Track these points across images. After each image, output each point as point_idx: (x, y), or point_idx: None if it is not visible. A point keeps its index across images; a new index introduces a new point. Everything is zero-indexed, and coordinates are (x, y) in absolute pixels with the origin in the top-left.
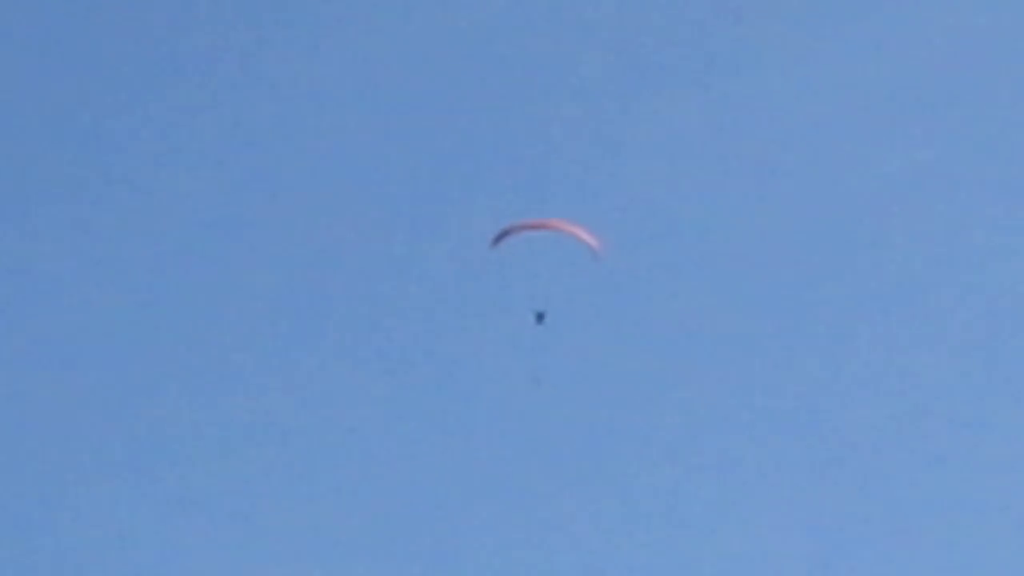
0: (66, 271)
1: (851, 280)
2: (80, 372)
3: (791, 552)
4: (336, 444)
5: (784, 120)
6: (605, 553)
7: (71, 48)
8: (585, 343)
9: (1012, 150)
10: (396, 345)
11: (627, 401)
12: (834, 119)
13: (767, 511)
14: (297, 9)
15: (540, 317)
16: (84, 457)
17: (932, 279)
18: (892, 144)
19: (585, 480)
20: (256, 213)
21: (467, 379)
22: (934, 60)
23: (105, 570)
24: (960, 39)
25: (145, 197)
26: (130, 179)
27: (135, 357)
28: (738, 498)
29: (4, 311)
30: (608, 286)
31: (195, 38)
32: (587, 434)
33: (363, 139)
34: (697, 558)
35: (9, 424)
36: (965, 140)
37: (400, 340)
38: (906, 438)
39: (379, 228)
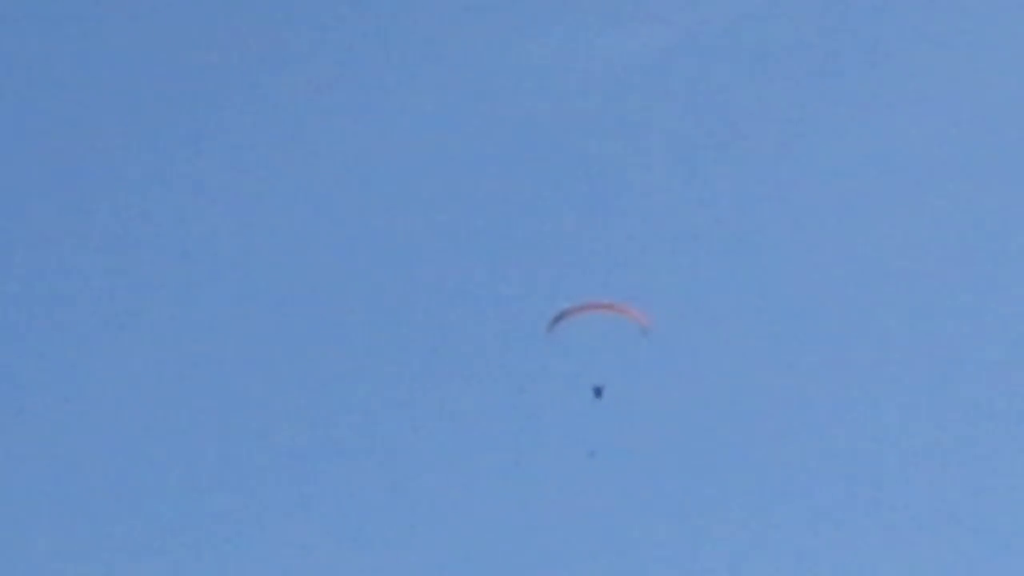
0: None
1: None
2: (77, 371)
3: None
4: (391, 517)
5: (824, 188)
6: None
7: (67, 47)
8: (639, 416)
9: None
10: (458, 417)
11: (681, 472)
12: (865, 190)
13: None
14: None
15: (598, 392)
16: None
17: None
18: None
19: (639, 553)
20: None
21: (524, 446)
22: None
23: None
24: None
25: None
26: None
27: (138, 357)
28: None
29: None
30: (660, 360)
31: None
32: (637, 508)
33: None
34: None
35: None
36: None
37: (463, 412)
38: (913, 444)
39: (440, 299)
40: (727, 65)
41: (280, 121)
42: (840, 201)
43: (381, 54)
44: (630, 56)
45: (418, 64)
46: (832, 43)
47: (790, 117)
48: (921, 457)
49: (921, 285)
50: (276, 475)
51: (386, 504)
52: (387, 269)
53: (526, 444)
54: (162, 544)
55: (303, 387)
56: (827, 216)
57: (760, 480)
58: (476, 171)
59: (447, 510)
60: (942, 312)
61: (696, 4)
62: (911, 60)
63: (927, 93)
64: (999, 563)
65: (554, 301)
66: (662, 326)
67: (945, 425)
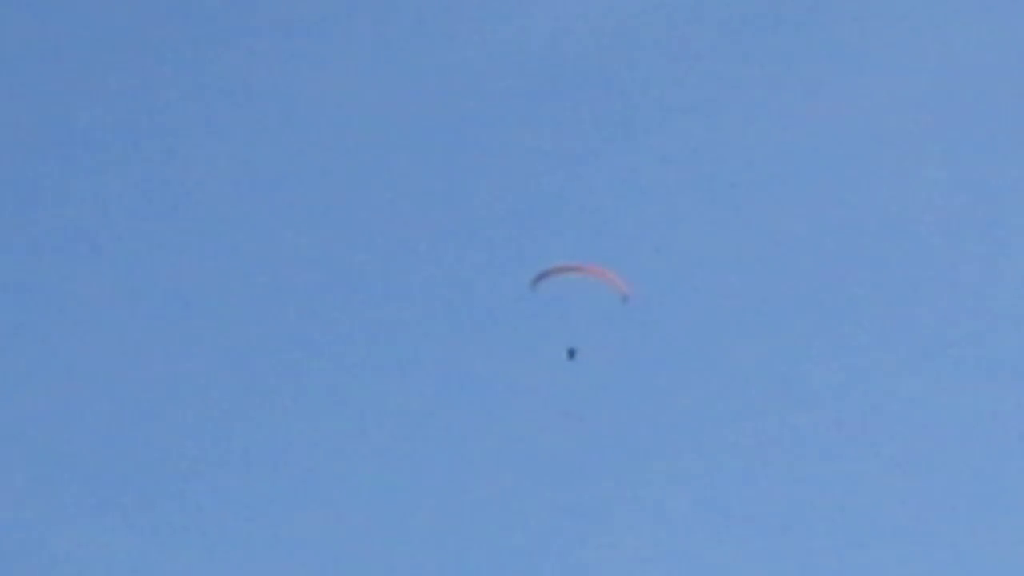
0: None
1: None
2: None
3: None
4: (362, 487)
5: (807, 149)
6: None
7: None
8: (613, 379)
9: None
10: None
11: (653, 431)
12: (863, 143)
13: (794, 547)
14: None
15: (571, 353)
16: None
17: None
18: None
19: (609, 511)
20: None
21: (500, 410)
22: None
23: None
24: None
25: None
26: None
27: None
28: (763, 534)
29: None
30: (637, 325)
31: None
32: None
33: (397, 168)
34: None
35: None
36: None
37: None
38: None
39: (414, 256)
40: (703, 25)
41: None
42: (824, 162)
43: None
44: (604, 14)
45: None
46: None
47: (773, 75)
48: (915, 424)
49: (912, 247)
50: (259, 415)
51: (359, 458)
52: (366, 227)
53: (501, 400)
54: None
55: (282, 348)
56: (811, 178)
57: (735, 445)
58: (456, 130)
59: (420, 466)
60: (936, 275)
61: None
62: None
63: (917, 40)
64: (998, 564)
65: (534, 264)
66: (641, 295)
67: (942, 384)
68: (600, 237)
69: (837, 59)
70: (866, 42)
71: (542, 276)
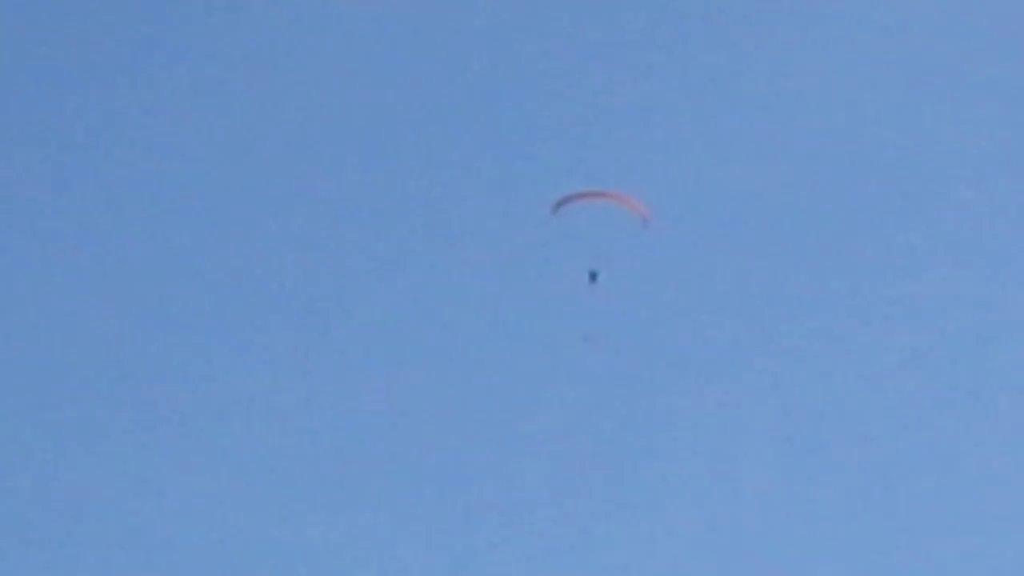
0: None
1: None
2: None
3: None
4: (384, 397)
5: (829, 75)
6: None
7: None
8: (634, 303)
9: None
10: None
11: (671, 362)
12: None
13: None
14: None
15: (593, 276)
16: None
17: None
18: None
19: (629, 440)
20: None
21: (521, 335)
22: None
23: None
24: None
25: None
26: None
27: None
28: (788, 471)
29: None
30: (658, 249)
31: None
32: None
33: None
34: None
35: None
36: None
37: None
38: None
39: (434, 188)
40: None
41: None
42: (846, 91)
43: None
44: None
45: None
46: None
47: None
48: (937, 368)
49: (928, 184)
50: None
51: (376, 392)
52: (385, 149)
53: (521, 325)
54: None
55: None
56: (833, 106)
57: (753, 369)
58: (476, 51)
59: (439, 393)
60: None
61: None
62: None
63: None
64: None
65: (554, 189)
66: (662, 219)
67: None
68: (620, 161)
69: None
70: None
71: (562, 202)
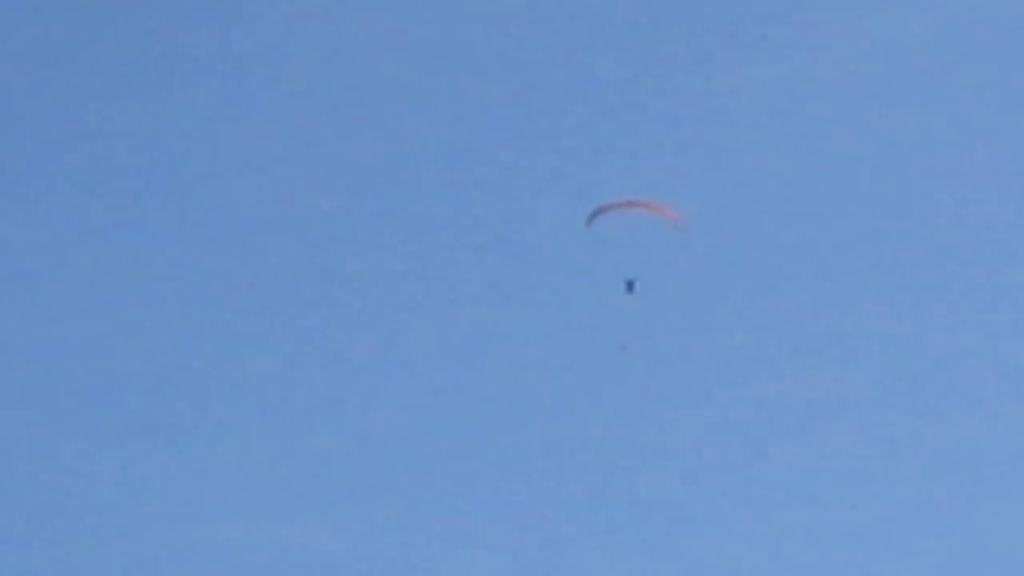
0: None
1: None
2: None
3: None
4: (423, 396)
5: (856, 79)
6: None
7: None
8: (671, 312)
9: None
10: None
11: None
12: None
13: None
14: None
15: (630, 286)
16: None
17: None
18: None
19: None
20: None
21: (559, 345)
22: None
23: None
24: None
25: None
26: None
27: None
28: (821, 475)
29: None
30: (694, 258)
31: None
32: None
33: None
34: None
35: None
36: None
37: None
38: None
39: (476, 199)
40: None
41: None
42: (874, 92)
43: None
44: None
45: None
46: None
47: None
48: (956, 356)
49: (948, 178)
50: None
51: (404, 392)
52: (424, 161)
53: (559, 334)
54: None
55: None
56: (859, 111)
57: (790, 370)
58: (510, 60)
59: (478, 398)
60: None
61: None
62: None
63: None
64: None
65: (587, 199)
66: (695, 224)
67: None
68: (651, 172)
69: None
70: None
71: (596, 213)
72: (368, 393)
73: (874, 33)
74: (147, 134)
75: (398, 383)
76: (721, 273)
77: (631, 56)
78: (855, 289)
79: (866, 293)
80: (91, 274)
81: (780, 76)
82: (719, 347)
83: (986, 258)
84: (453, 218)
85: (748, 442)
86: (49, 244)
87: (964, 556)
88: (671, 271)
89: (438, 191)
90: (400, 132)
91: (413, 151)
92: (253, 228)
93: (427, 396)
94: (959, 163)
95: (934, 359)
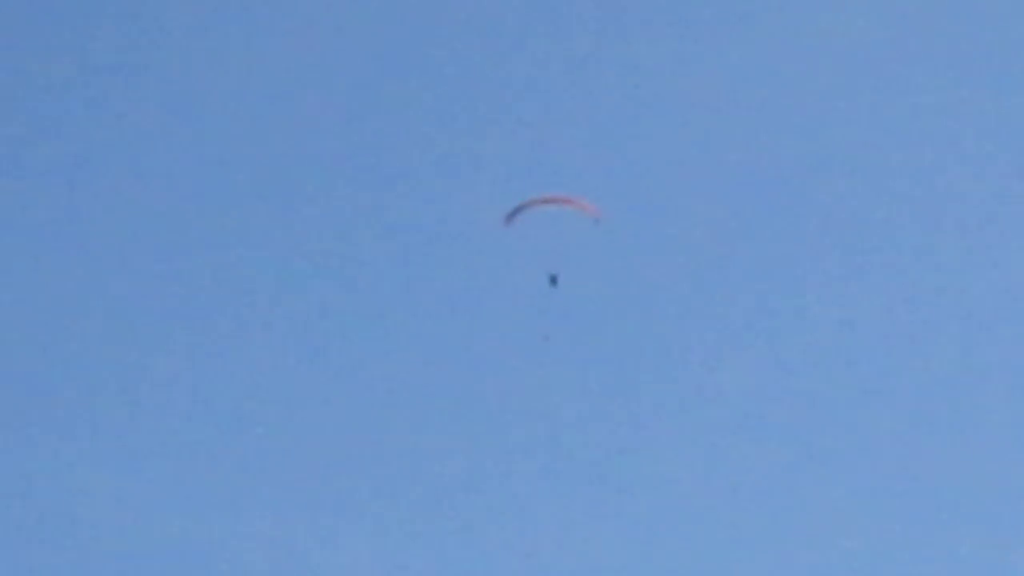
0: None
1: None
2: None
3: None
4: (345, 408)
5: (787, 78)
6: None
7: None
8: (593, 304)
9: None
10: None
11: (629, 362)
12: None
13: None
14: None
15: (554, 280)
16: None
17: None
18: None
19: (588, 438)
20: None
21: (483, 337)
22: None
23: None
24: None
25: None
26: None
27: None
28: (742, 463)
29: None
30: (611, 251)
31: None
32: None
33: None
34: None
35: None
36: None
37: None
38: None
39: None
40: None
41: None
42: (788, 81)
43: None
44: None
45: None
46: None
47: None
48: (902, 355)
49: (884, 179)
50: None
51: (345, 383)
52: (354, 176)
53: (484, 329)
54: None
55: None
56: (778, 96)
57: (707, 363)
58: (430, 61)
59: (407, 393)
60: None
61: None
62: None
63: None
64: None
65: (508, 194)
66: (612, 217)
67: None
68: (572, 164)
69: None
70: None
71: (515, 211)
72: (309, 396)
73: (800, 30)
74: (140, 127)
75: (326, 389)
76: (641, 265)
77: (549, 55)
78: (780, 280)
79: (786, 282)
80: (80, 272)
81: (702, 62)
82: (643, 340)
83: (954, 250)
84: (373, 213)
85: (677, 436)
86: (49, 244)
87: (961, 554)
88: (592, 264)
89: (359, 187)
90: (308, 130)
91: (324, 150)
92: (246, 229)
93: (362, 397)
94: (893, 160)
95: (864, 350)
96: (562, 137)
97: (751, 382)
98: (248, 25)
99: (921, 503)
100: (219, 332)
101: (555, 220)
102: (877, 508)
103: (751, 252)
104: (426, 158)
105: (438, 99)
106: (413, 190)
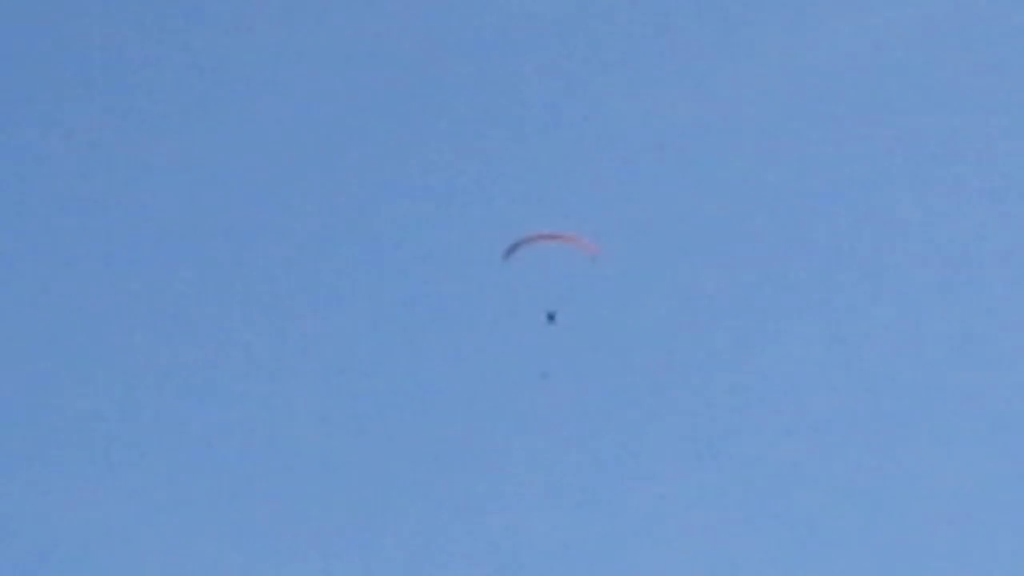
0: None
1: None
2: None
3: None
4: (342, 440)
5: (777, 115)
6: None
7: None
8: (592, 341)
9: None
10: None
11: (630, 394)
12: (827, 113)
13: (769, 512)
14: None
15: (551, 317)
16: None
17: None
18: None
19: (586, 472)
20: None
21: (480, 374)
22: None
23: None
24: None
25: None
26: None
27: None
28: (738, 498)
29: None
30: (612, 288)
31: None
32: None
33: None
34: (698, 556)
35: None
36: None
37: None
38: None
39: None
40: None
41: None
42: (787, 119)
43: None
44: None
45: None
46: None
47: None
48: (899, 367)
49: (880, 196)
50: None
51: (337, 423)
52: (353, 212)
53: (482, 366)
54: None
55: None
56: (775, 135)
57: (704, 400)
58: (426, 101)
59: (405, 430)
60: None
61: None
62: None
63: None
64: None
65: (507, 232)
66: (610, 254)
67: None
68: (570, 203)
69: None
70: None
71: (513, 247)
72: (301, 417)
73: (802, 50)
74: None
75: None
76: (638, 301)
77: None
78: (778, 319)
79: (785, 313)
80: (80, 277)
81: (700, 100)
82: (639, 377)
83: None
84: (371, 251)
85: (670, 466)
86: (48, 243)
87: (959, 553)
88: (590, 301)
89: (358, 222)
90: (306, 175)
91: (325, 186)
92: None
93: (358, 428)
94: (888, 176)
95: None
96: (560, 175)
97: (746, 418)
98: (252, 71)
99: (921, 503)
100: (212, 388)
101: (553, 256)
102: (873, 519)
103: (748, 291)
104: (424, 195)
105: (436, 137)
106: (411, 227)
